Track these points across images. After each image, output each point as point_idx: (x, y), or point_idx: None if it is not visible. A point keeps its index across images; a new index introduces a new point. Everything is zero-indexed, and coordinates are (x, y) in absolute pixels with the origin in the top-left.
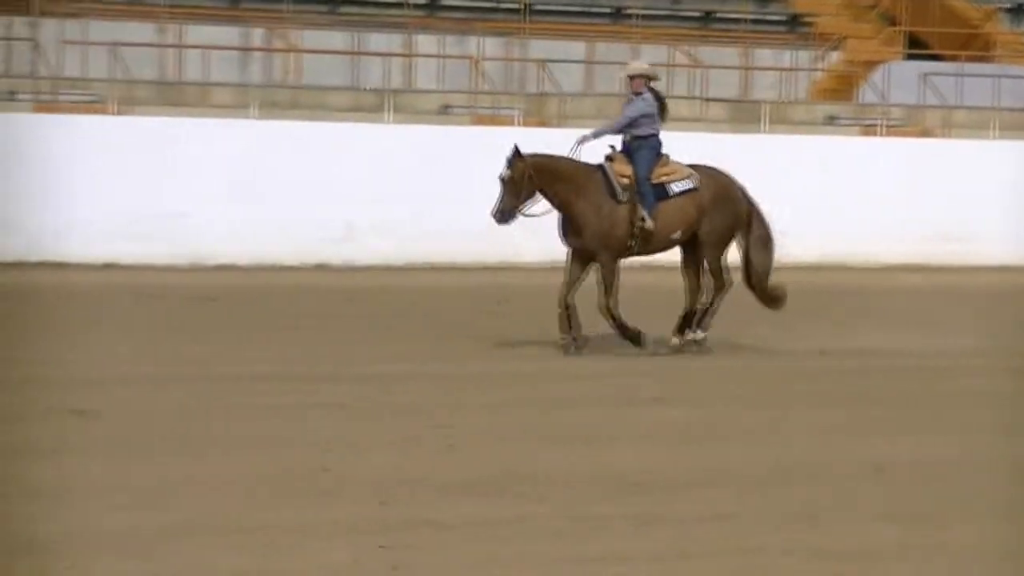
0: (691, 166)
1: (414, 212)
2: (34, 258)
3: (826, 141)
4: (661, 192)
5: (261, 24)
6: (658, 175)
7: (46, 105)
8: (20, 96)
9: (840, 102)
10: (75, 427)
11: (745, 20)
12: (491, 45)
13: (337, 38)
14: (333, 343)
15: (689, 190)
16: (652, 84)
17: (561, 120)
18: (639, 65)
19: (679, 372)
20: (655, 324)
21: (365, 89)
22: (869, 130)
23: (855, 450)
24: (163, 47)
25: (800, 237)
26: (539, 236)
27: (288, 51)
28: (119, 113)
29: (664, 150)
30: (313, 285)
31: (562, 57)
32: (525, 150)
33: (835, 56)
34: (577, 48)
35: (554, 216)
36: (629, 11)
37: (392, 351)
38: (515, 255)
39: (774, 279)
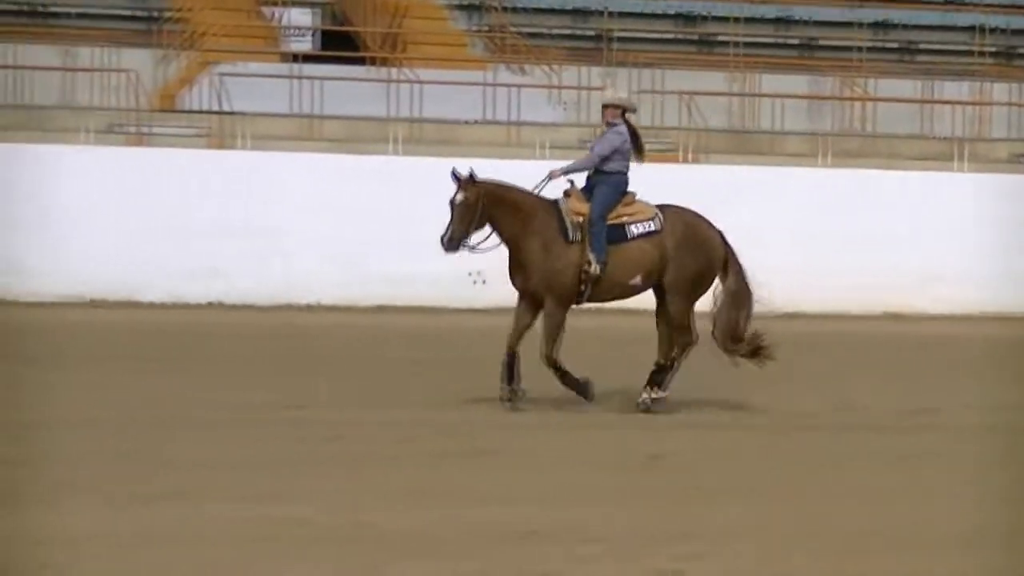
0: (660, 206)
1: (989, 260)
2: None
3: None
4: (619, 233)
5: (833, 73)
6: (619, 214)
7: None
8: None
9: None
10: (650, 470)
11: None
12: None
13: (908, 86)
14: (915, 389)
15: (651, 232)
16: (628, 116)
17: None
18: (614, 93)
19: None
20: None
21: (936, 137)
22: None
23: None
24: (735, 96)
25: None
26: None
27: (859, 99)
28: (692, 161)
29: (631, 187)
30: (883, 333)
31: None
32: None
33: None
34: None
35: None
36: None
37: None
38: None
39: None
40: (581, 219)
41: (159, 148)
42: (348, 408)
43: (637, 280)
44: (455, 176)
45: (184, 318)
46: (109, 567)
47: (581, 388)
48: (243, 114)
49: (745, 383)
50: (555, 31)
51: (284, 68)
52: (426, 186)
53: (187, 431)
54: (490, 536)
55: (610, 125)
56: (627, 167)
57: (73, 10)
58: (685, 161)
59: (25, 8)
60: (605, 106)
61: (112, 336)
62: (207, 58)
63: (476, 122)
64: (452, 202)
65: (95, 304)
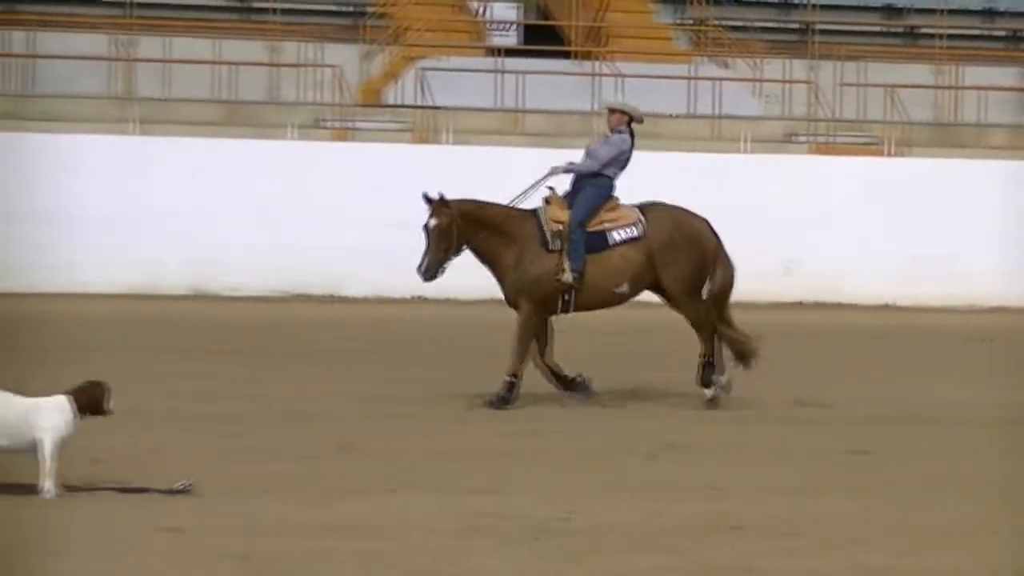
0: (643, 206)
1: None
2: (814, 298)
3: None
4: (600, 241)
5: None
6: (600, 220)
7: (824, 147)
8: (799, 138)
9: None
10: (853, 466)
11: None
12: None
13: None
14: None
15: (633, 238)
16: (633, 125)
17: None
18: (622, 101)
19: None
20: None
21: None
22: None
23: None
24: (940, 88)
25: None
26: None
27: None
28: (895, 155)
29: (616, 193)
30: None
31: None
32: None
33: None
34: None
35: None
36: None
37: None
38: None
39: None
40: (561, 227)
41: (363, 143)
42: (546, 402)
43: (624, 288)
44: (426, 199)
45: (386, 312)
46: (312, 558)
47: (504, 400)
48: (447, 109)
49: (944, 380)
50: (758, 24)
51: (487, 63)
52: (631, 180)
53: (394, 423)
54: (694, 530)
55: (615, 131)
56: (617, 174)
57: (279, 6)
58: (888, 154)
59: (232, 4)
60: (612, 110)
61: (318, 330)
62: (411, 53)
63: (679, 116)
64: (426, 228)
65: (300, 298)
